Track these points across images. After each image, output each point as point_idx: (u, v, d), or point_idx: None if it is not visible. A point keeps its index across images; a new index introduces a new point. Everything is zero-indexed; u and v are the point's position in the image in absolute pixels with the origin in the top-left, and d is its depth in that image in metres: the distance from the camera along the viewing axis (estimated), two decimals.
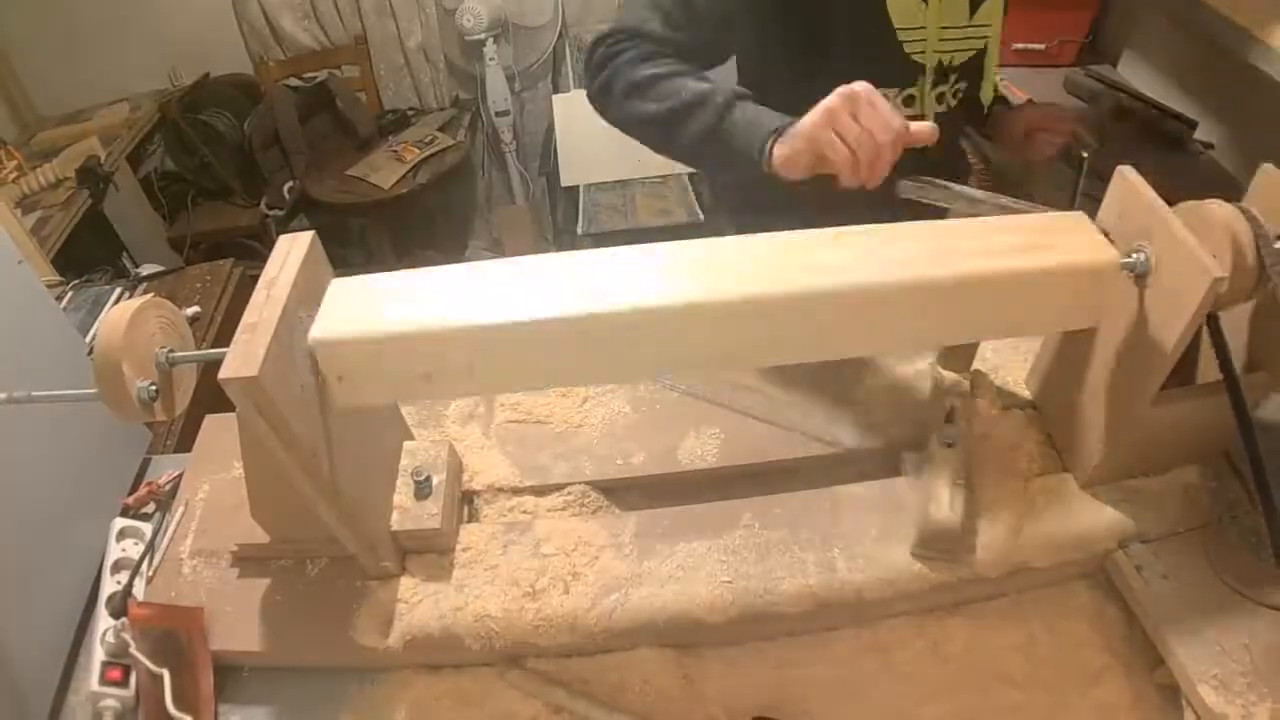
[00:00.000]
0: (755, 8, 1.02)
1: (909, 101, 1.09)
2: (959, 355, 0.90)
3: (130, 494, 0.98)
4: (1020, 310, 0.73)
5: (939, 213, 0.86)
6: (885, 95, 0.98)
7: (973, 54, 1.10)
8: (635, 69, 0.99)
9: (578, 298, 0.66)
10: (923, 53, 1.06)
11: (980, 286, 0.69)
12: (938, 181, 0.84)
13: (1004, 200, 0.82)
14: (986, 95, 1.14)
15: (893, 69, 1.06)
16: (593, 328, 0.66)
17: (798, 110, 0.92)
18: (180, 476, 0.98)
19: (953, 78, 1.10)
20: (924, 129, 0.79)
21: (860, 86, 0.79)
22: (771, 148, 0.87)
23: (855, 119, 0.79)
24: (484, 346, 0.67)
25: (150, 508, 0.96)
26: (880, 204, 0.82)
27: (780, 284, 0.66)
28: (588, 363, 0.70)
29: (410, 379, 0.69)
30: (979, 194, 0.83)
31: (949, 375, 0.89)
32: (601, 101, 1.03)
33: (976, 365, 0.93)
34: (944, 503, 0.78)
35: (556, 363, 0.70)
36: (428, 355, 0.68)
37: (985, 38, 1.09)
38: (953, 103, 1.12)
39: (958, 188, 0.83)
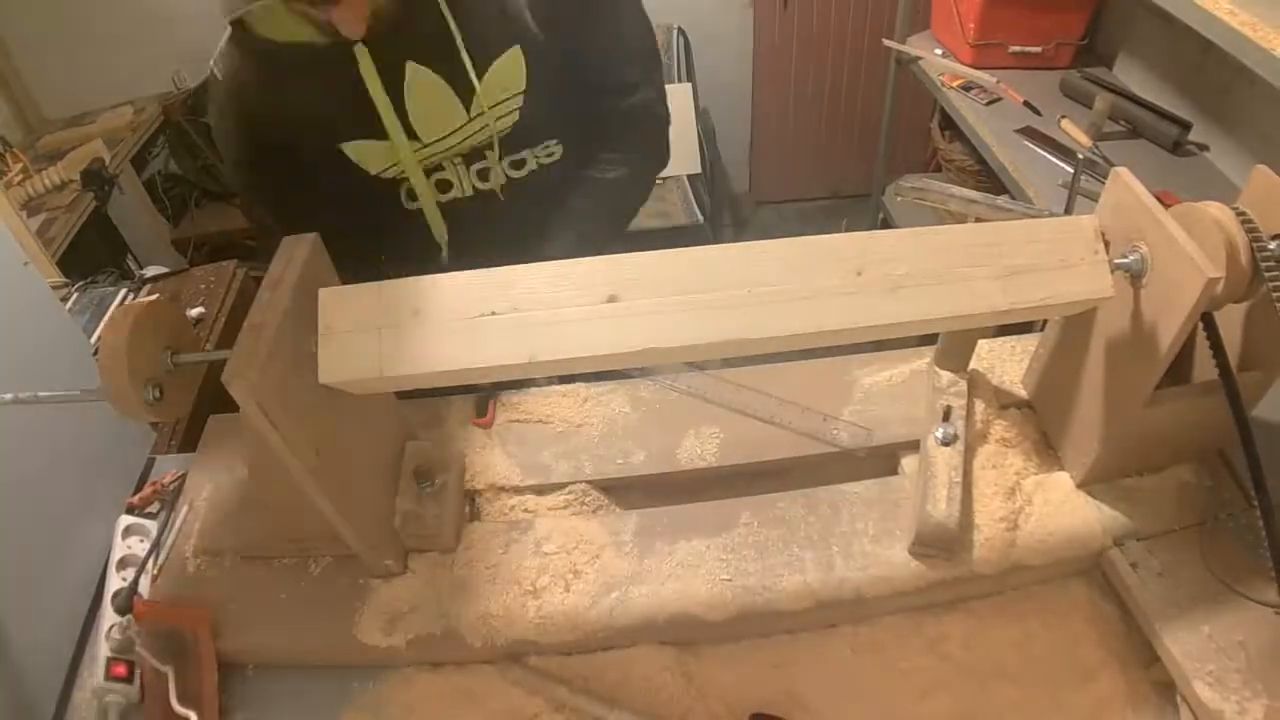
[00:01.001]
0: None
1: (411, 196, 1.09)
2: (955, 355, 0.90)
3: (135, 493, 0.98)
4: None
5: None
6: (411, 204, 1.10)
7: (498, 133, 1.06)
8: None
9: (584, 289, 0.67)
10: (409, 182, 1.07)
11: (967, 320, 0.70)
12: (933, 184, 0.84)
13: (999, 201, 0.82)
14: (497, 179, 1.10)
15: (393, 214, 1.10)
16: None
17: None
18: (184, 476, 0.98)
19: (492, 154, 1.07)
20: None
21: None
22: None
23: None
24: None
25: (155, 506, 0.97)
26: None
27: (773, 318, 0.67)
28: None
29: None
30: (974, 194, 0.83)
31: (946, 375, 0.89)
32: None
33: (973, 365, 0.93)
34: (940, 502, 0.79)
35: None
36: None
37: (503, 114, 1.04)
38: (513, 172, 1.10)
39: (954, 189, 0.84)
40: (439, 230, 1.12)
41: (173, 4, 2.68)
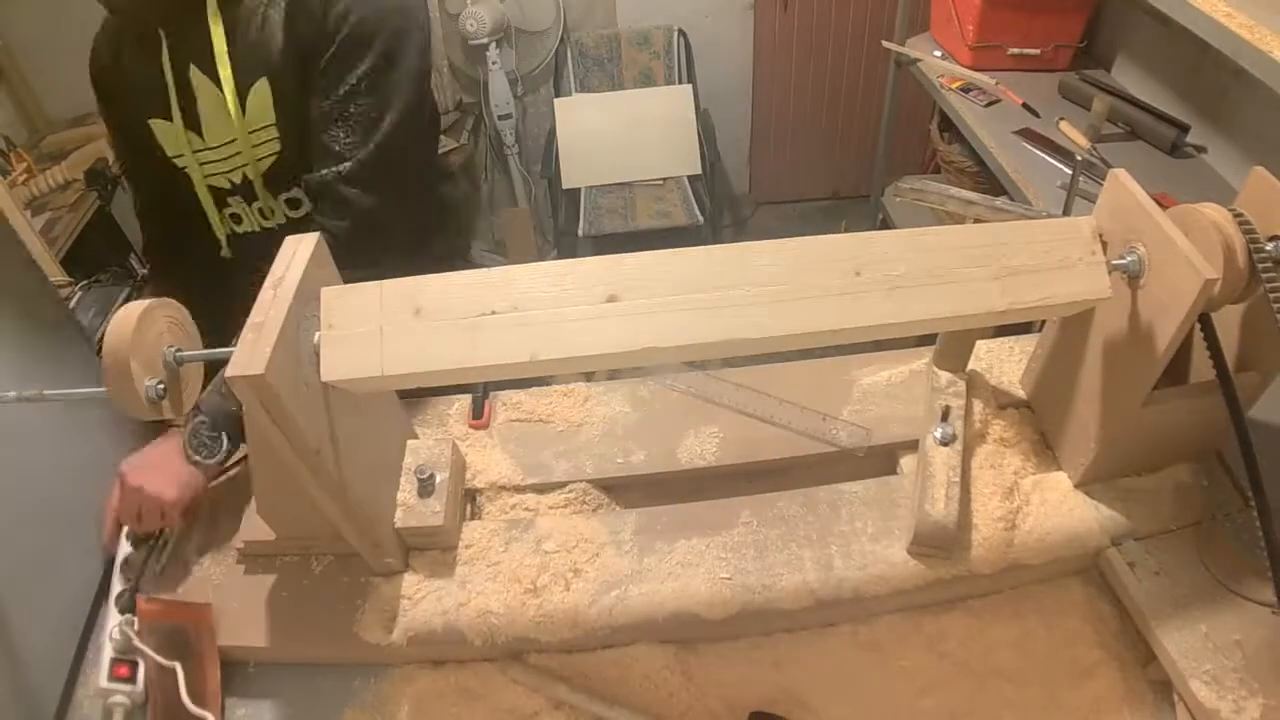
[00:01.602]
0: None
1: (236, 219, 1.11)
2: (954, 355, 0.91)
3: None
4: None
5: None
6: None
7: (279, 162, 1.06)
8: None
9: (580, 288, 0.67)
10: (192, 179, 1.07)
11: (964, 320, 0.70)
12: (932, 185, 0.85)
13: (998, 202, 0.83)
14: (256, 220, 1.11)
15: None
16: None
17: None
18: None
19: (268, 193, 1.07)
20: None
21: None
22: None
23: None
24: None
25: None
26: None
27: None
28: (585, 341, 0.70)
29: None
30: (973, 195, 0.84)
31: (944, 375, 0.89)
32: None
33: (972, 365, 0.93)
34: (939, 501, 0.79)
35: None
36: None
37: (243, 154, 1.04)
38: (291, 213, 1.10)
39: (953, 190, 0.84)
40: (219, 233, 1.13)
41: None
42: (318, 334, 0.67)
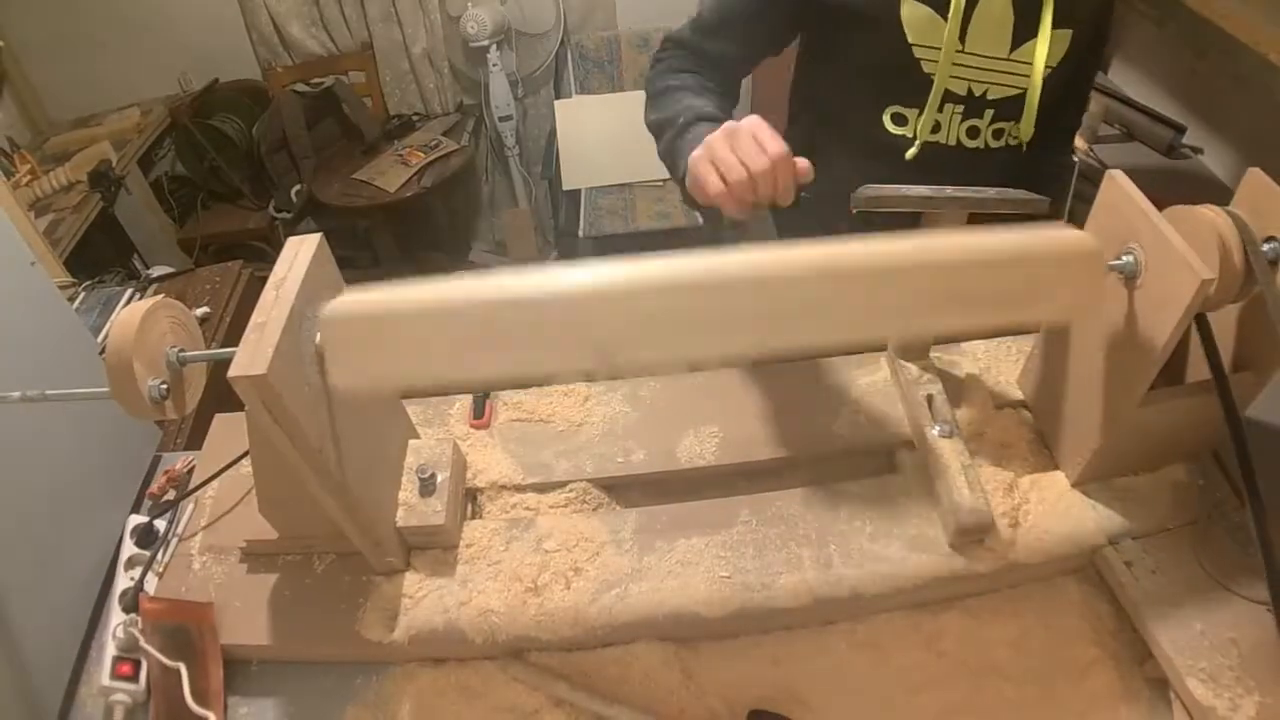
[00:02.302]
0: (777, 11, 1.05)
1: (935, 129, 1.06)
2: (915, 345, 0.92)
3: (142, 490, 1.00)
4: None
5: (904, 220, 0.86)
6: (903, 113, 1.05)
7: (1014, 93, 1.04)
8: (662, 78, 1.05)
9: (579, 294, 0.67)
10: (935, 74, 1.01)
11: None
12: (888, 189, 0.83)
13: (948, 191, 0.82)
14: (1025, 133, 1.07)
15: (907, 86, 1.03)
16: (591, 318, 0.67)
17: (830, 118, 1.03)
18: (193, 465, 1.00)
19: (989, 113, 1.05)
20: (803, 165, 0.78)
21: (745, 121, 0.80)
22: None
23: (733, 150, 0.79)
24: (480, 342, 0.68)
25: (170, 495, 0.99)
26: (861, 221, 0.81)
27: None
28: (585, 357, 0.70)
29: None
30: (927, 190, 0.82)
31: (912, 366, 0.90)
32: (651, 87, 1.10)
33: (969, 368, 0.94)
34: (964, 489, 0.80)
35: (555, 361, 0.70)
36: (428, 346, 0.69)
37: (1026, 76, 1.02)
38: (992, 142, 1.07)
39: (910, 190, 0.83)
40: (910, 147, 1.07)
41: (179, 8, 2.70)
42: (319, 334, 0.68)
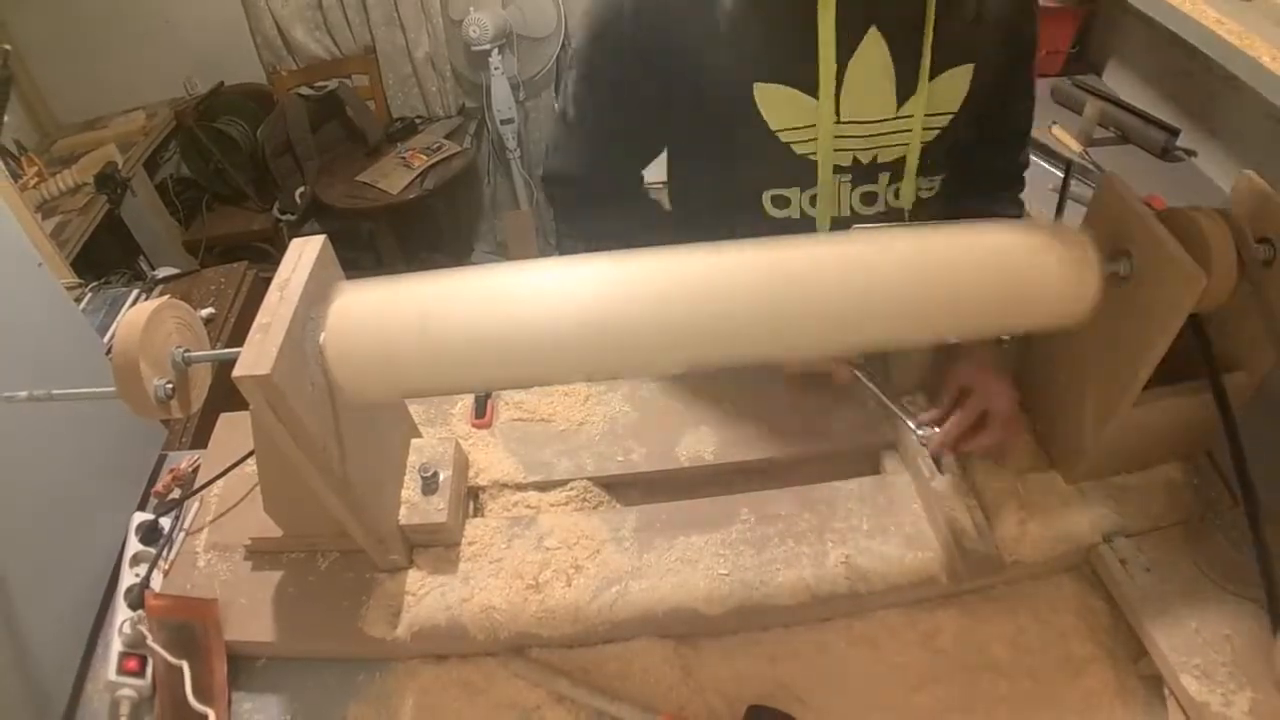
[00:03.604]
0: (645, 123, 0.98)
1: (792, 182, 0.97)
2: (910, 375, 0.95)
3: (148, 489, 1.01)
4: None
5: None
6: (783, 195, 0.97)
7: (902, 153, 0.94)
8: (579, 219, 1.07)
9: (578, 299, 0.68)
10: (814, 153, 0.92)
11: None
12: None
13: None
14: (905, 199, 0.97)
15: (781, 169, 0.94)
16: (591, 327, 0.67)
17: (714, 213, 0.98)
18: (199, 463, 1.00)
19: (883, 176, 0.95)
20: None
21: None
22: None
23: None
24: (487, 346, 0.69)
25: (176, 494, 1.00)
26: None
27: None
28: (582, 360, 0.70)
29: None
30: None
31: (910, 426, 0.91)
32: (570, 242, 1.10)
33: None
34: (971, 532, 0.81)
35: (557, 362, 0.71)
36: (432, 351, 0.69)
37: (910, 131, 0.92)
38: (894, 201, 0.97)
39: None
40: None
41: (184, 11, 2.72)
42: (323, 335, 0.69)
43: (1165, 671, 0.73)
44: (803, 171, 0.93)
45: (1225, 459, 0.83)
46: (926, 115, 0.91)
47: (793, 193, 0.97)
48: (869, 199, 0.97)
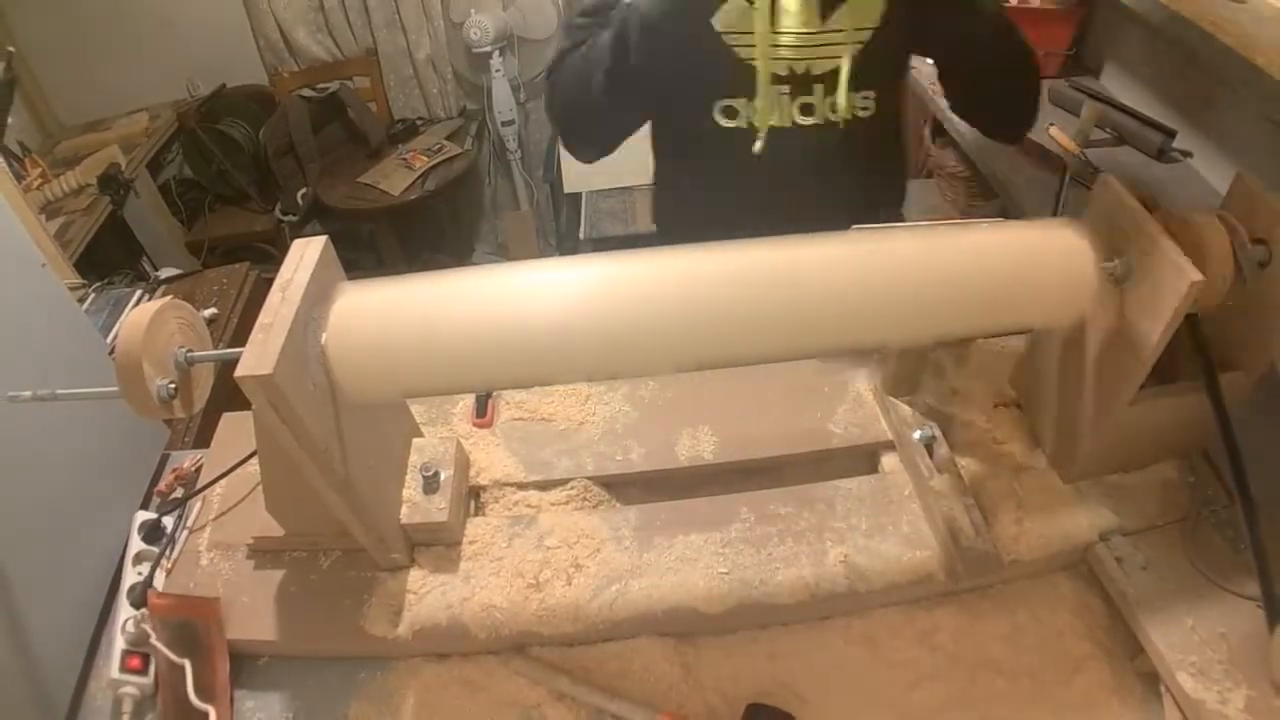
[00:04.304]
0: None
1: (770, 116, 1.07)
2: (906, 378, 0.94)
3: (151, 488, 1.01)
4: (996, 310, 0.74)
5: None
6: (732, 105, 1.07)
7: (836, 64, 1.03)
8: (555, 84, 1.14)
9: (578, 301, 0.68)
10: (753, 60, 1.02)
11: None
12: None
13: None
14: (839, 109, 1.05)
15: (728, 78, 1.05)
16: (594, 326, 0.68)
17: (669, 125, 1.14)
18: (202, 463, 1.01)
19: (817, 88, 1.05)
20: None
21: None
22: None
23: None
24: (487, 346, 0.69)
25: (178, 493, 1.00)
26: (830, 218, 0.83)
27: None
28: (583, 360, 0.71)
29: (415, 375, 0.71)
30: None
31: (904, 408, 0.92)
32: (558, 121, 1.20)
33: (962, 370, 0.95)
34: (969, 531, 0.81)
35: (558, 362, 0.71)
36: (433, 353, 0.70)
37: (839, 44, 1.02)
38: (830, 115, 1.06)
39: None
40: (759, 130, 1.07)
41: (187, 14, 2.73)
42: (324, 335, 0.69)
43: (1162, 669, 0.74)
44: (747, 80, 1.03)
45: (1221, 458, 0.83)
46: (851, 29, 1.01)
47: (740, 103, 1.07)
48: (807, 110, 1.07)
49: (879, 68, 1.05)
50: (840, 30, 1.01)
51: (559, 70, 1.14)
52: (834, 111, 1.06)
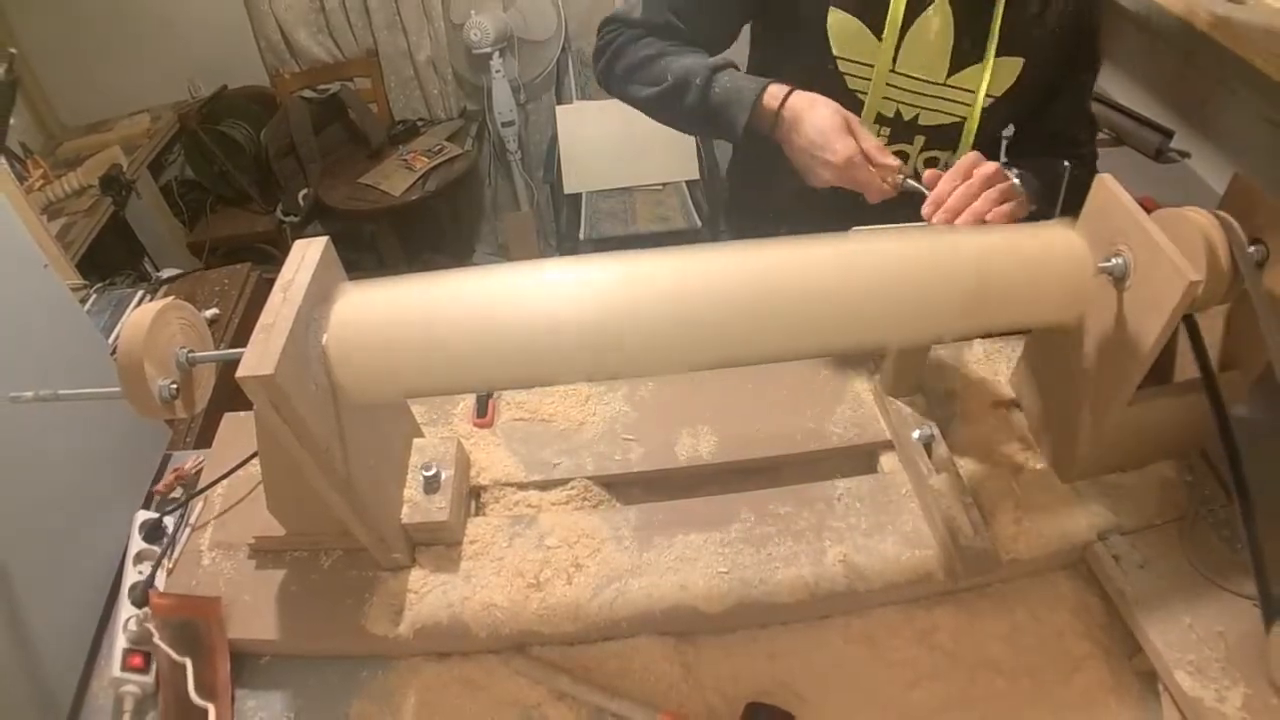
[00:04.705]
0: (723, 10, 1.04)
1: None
2: (906, 377, 0.94)
3: (151, 489, 1.01)
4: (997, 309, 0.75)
5: None
6: None
7: (949, 121, 1.00)
8: (626, 53, 1.05)
9: (578, 301, 0.69)
10: (865, 93, 0.99)
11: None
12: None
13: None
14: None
15: (834, 100, 0.96)
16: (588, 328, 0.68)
17: None
18: (202, 464, 1.01)
19: (919, 139, 1.01)
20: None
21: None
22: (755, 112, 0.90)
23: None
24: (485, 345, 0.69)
25: (178, 493, 1.00)
26: (879, 214, 0.83)
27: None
28: (583, 360, 0.71)
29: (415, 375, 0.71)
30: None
31: (904, 408, 0.92)
32: (607, 84, 1.09)
33: (960, 371, 0.95)
34: (968, 530, 0.81)
35: (558, 362, 0.72)
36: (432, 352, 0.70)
37: (966, 104, 0.99)
38: (922, 169, 0.97)
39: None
40: None
41: (188, 15, 2.73)
42: (326, 335, 0.70)
43: (1159, 667, 0.74)
44: (850, 108, 0.95)
45: (1219, 457, 0.84)
46: (974, 91, 0.97)
47: None
48: (900, 156, 1.00)
49: (982, 137, 1.02)
50: (963, 89, 0.97)
51: (633, 63, 1.05)
52: (925, 166, 1.03)
